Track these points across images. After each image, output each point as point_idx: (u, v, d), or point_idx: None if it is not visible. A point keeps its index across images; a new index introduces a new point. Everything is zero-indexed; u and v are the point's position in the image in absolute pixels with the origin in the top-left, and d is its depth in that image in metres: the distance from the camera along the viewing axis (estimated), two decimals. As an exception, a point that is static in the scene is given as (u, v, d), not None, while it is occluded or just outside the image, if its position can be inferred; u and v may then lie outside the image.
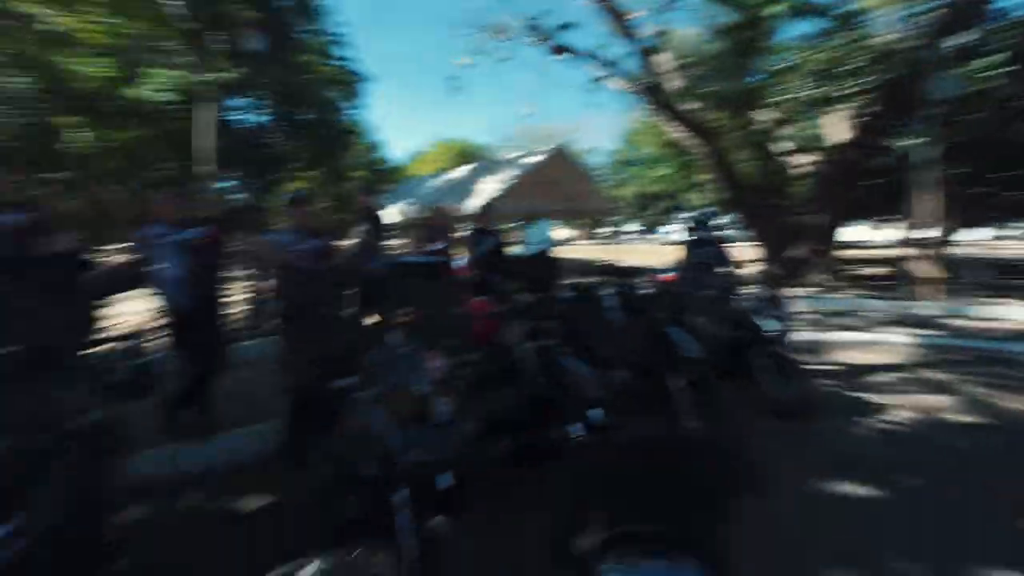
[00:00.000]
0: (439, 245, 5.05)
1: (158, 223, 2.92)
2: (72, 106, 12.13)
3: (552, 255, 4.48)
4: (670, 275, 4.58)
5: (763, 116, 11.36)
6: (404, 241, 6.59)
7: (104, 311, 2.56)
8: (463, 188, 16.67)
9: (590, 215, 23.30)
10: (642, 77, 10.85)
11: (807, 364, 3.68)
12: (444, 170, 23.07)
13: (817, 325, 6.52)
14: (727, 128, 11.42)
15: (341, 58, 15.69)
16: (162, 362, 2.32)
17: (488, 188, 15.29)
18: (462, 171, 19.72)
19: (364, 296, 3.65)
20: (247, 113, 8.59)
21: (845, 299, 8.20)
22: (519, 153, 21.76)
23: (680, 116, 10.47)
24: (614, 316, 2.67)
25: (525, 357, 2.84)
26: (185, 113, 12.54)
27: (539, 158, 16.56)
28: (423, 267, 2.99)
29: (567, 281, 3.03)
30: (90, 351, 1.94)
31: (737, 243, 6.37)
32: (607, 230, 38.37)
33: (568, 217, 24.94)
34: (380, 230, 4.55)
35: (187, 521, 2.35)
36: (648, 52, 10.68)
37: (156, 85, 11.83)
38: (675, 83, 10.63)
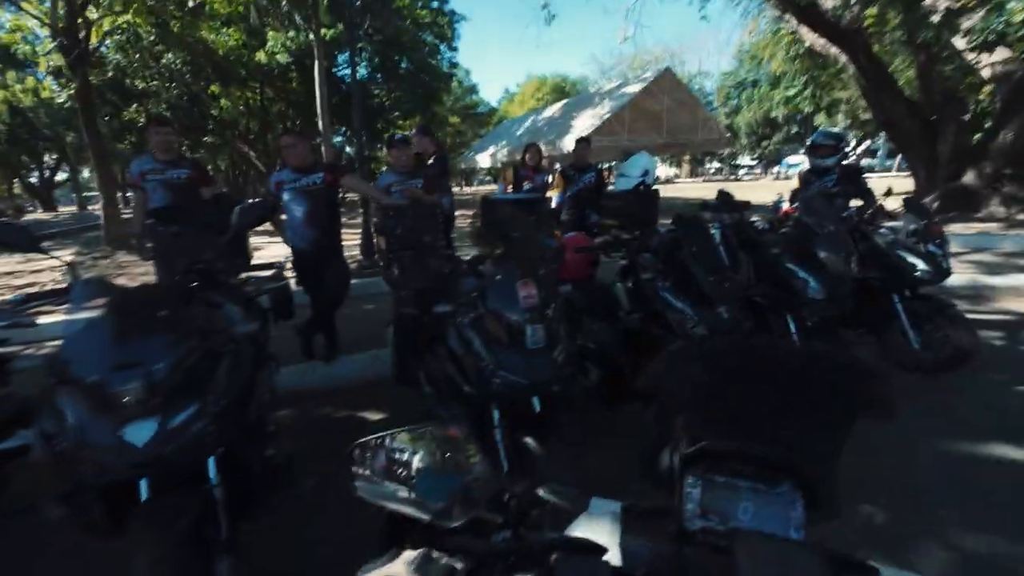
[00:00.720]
0: (532, 183, 5.00)
1: (285, 169, 3.25)
2: (213, 75, 13.76)
3: (652, 188, 4.16)
4: (789, 206, 4.03)
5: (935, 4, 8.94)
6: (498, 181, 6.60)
7: (250, 247, 3.00)
8: (557, 126, 16.05)
9: (696, 148, 21.14)
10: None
11: (967, 313, 3.06)
12: (537, 109, 22.31)
13: (989, 267, 5.35)
14: (881, 26, 9.23)
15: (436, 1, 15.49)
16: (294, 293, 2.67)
17: (583, 124, 14.52)
18: (555, 108, 18.90)
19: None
20: (353, 67, 8.99)
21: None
22: (616, 84, 20.13)
23: (818, 17, 8.69)
24: (722, 250, 2.43)
25: (619, 293, 2.75)
26: (299, 73, 13.55)
27: (637, 88, 15.17)
28: (516, 204, 2.97)
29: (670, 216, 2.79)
30: (243, 276, 2.31)
31: (875, 173, 5.28)
32: (715, 165, 34.58)
33: (672, 152, 22.94)
34: (445, 169, 4.59)
35: (317, 428, 2.77)
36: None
37: (274, 48, 12.85)
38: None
